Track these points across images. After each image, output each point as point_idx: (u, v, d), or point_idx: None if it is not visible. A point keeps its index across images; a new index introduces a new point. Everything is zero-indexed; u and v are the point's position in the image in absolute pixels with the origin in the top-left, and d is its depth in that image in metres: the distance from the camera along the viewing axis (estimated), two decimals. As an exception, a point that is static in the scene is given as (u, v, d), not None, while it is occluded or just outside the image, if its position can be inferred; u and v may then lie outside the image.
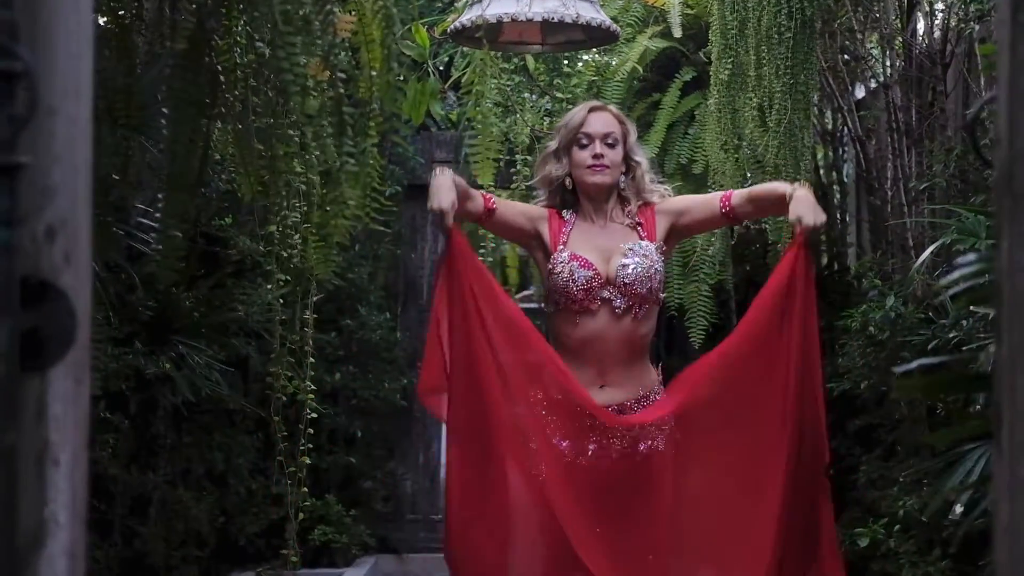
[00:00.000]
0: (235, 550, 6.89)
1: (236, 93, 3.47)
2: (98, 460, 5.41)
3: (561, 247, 3.93)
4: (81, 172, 1.79)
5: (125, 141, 3.51)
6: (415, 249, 8.15)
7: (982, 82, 5.69)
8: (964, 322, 4.13)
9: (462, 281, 3.71)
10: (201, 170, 3.51)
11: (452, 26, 4.54)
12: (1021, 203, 1.67)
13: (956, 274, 1.99)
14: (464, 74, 6.96)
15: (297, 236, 3.78)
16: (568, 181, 4.00)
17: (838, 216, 7.87)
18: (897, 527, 5.13)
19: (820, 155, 7.78)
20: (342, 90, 3.15)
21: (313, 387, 4.52)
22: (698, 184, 6.21)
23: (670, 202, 4.05)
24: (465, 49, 6.56)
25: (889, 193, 6.37)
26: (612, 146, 3.94)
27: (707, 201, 4.06)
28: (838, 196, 7.91)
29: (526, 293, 9.63)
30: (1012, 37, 1.69)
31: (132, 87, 3.47)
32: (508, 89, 5.94)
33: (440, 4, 7.44)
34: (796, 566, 3.76)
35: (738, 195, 3.98)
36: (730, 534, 3.84)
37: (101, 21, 3.63)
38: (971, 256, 2.28)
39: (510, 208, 4.09)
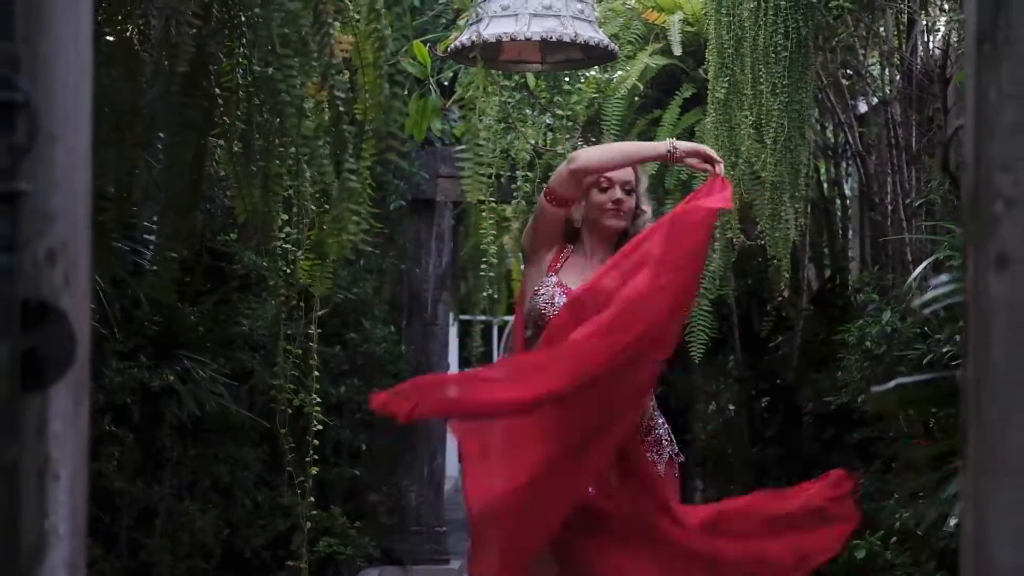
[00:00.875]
0: (241, 562, 6.95)
1: (237, 114, 3.53)
2: (103, 473, 5.47)
3: (552, 273, 4.00)
4: (80, 197, 1.86)
5: (131, 159, 3.58)
6: (419, 263, 8.24)
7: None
8: (958, 336, 4.19)
9: None
10: (196, 191, 3.57)
11: (452, 46, 4.61)
12: (985, 227, 1.73)
13: (930, 294, 2.05)
14: (468, 90, 7.04)
15: (300, 252, 3.84)
16: (577, 219, 4.07)
17: (840, 231, 7.93)
18: (893, 539, 5.17)
19: (823, 170, 7.84)
20: (341, 109, 3.22)
21: (319, 399, 4.57)
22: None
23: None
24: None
25: (889, 208, 6.42)
26: (629, 193, 4.05)
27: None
28: (840, 211, 7.97)
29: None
30: (977, 67, 1.76)
31: (138, 106, 3.54)
32: (509, 106, 6.00)
33: (443, 21, 7.50)
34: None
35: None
36: None
37: (108, 39, 3.70)
38: (944, 277, 2.33)
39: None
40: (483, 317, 14.01)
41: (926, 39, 6.31)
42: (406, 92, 6.41)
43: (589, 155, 4.01)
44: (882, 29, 6.51)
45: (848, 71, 7.09)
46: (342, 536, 7.48)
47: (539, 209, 4.08)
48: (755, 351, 7.78)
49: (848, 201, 8.04)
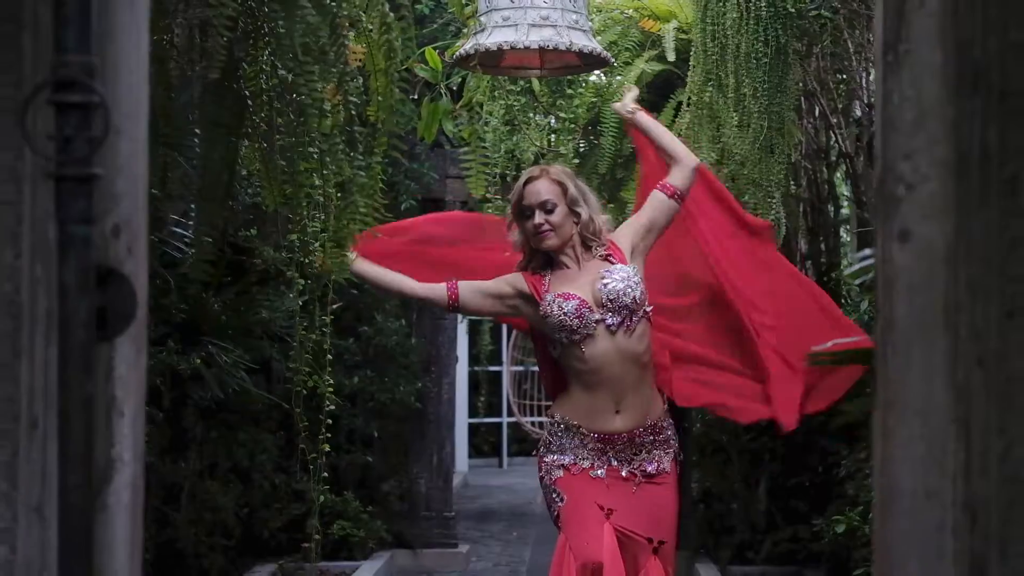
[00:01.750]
0: (259, 543, 7.32)
1: (262, 115, 3.89)
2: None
3: (546, 293, 4.32)
4: (140, 181, 2.23)
5: (163, 158, 3.95)
6: (430, 260, 8.57)
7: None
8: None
9: None
10: (230, 184, 3.95)
11: (457, 53, 4.98)
12: (890, 207, 2.09)
13: (857, 266, 2.38)
14: (475, 94, 7.41)
15: (317, 244, 4.20)
16: (518, 243, 4.44)
17: (833, 230, 8.27)
18: (871, 515, 5.51)
19: (819, 171, 8.19)
20: (353, 111, 3.59)
21: (331, 382, 4.94)
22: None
23: (625, 228, 4.51)
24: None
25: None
26: (551, 211, 4.31)
27: (656, 205, 4.49)
28: (833, 211, 8.31)
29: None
30: (883, 74, 2.12)
31: (169, 109, 3.92)
32: (515, 109, 6.36)
33: (452, 28, 7.88)
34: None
35: (670, 176, 4.49)
36: None
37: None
38: (867, 251, 2.67)
39: (474, 289, 4.47)
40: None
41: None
42: (415, 96, 6.79)
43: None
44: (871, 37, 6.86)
45: (842, 75, 7.44)
46: (355, 520, 7.82)
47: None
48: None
49: (840, 201, 8.39)
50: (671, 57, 6.47)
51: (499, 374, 14.46)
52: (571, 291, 4.27)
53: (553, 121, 6.92)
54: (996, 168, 2.03)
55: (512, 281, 4.44)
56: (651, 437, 4.34)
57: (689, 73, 5.84)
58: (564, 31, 4.70)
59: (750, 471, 7.52)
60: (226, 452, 6.61)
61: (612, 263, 4.33)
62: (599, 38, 5.94)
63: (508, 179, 6.84)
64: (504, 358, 14.07)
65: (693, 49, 5.72)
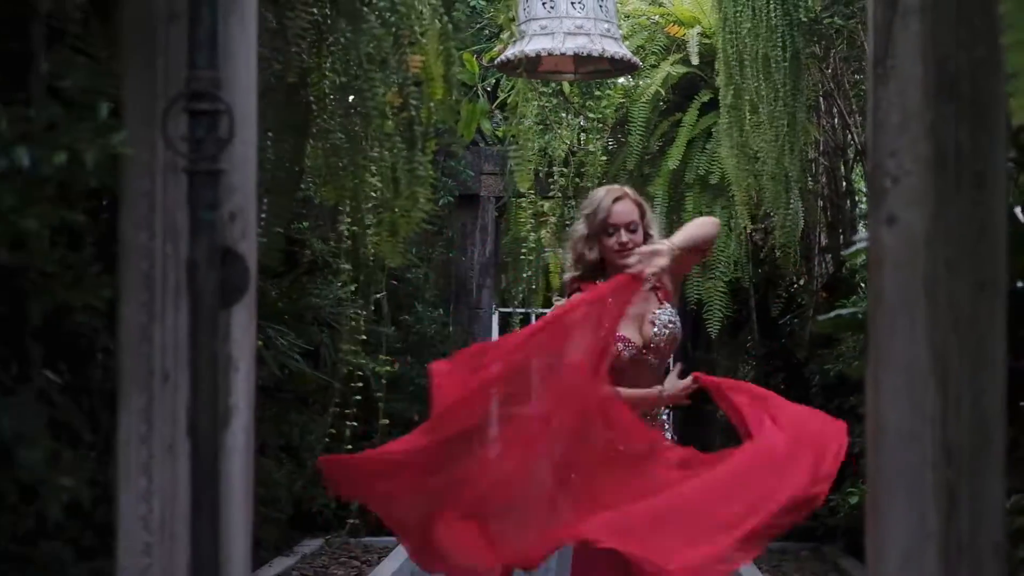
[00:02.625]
0: (307, 518, 7.76)
1: (325, 117, 4.33)
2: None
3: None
4: (251, 176, 2.66)
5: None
6: (465, 253, 8.99)
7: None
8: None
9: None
10: (297, 179, 4.39)
11: (499, 59, 5.42)
12: (878, 196, 2.50)
13: (856, 247, 2.78)
14: (509, 95, 7.85)
15: (372, 233, 4.62)
16: (593, 257, 4.65)
17: (850, 223, 8.66)
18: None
19: (838, 167, 8.58)
20: (413, 114, 4.02)
21: (389, 358, 5.34)
22: (715, 192, 7.02)
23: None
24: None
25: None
26: (634, 231, 4.50)
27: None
28: (850, 205, 8.69)
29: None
30: (874, 84, 2.53)
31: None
32: (547, 110, 6.80)
33: (487, 33, 8.31)
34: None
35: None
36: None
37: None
38: (864, 232, 3.06)
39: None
40: (521, 310, 14.82)
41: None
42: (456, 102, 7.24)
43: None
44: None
45: (859, 75, 7.84)
46: (397, 498, 8.24)
47: None
48: (772, 333, 8.51)
49: (858, 196, 8.77)
50: (695, 61, 6.91)
51: (528, 366, 14.86)
52: (628, 334, 4.43)
53: (583, 121, 7.35)
54: (967, 164, 2.44)
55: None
56: (650, 423, 4.66)
57: (717, 77, 6.26)
58: (597, 39, 5.12)
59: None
60: (276, 431, 7.04)
61: (659, 301, 4.54)
62: (627, 43, 6.36)
63: (540, 175, 7.29)
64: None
65: (717, 53, 6.15)
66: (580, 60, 5.47)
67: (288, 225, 6.26)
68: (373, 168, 4.17)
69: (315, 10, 4.00)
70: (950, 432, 2.43)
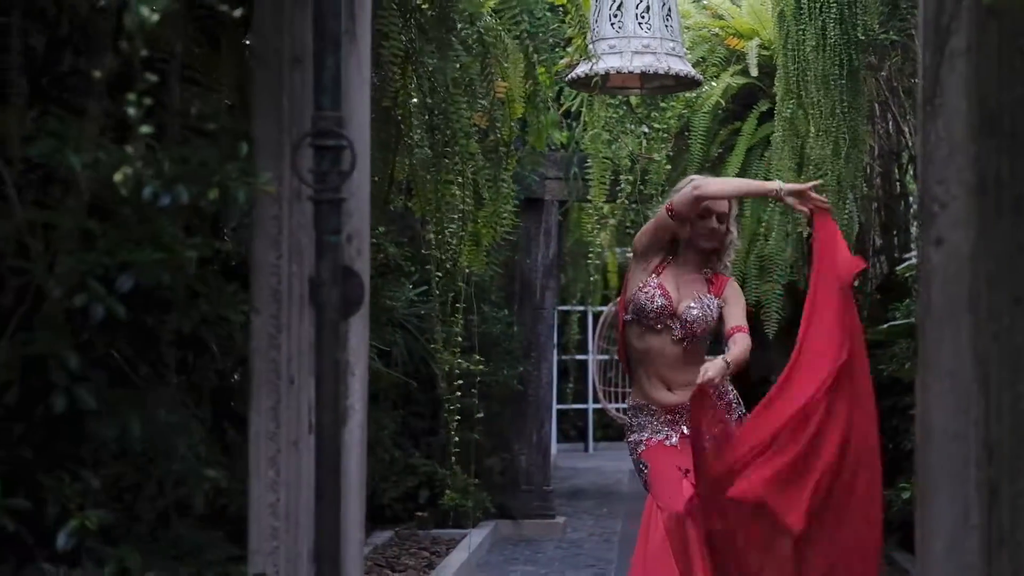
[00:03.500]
0: (377, 511, 8.11)
1: (413, 135, 4.66)
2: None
3: (655, 275, 4.97)
4: (364, 201, 2.99)
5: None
6: (529, 255, 9.28)
7: None
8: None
9: None
10: (388, 191, 4.72)
11: (569, 76, 5.73)
12: (927, 220, 2.80)
13: (906, 263, 3.05)
14: (572, 104, 8.17)
15: (454, 241, 4.94)
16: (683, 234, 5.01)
17: (903, 225, 8.90)
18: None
19: (893, 172, 8.83)
20: (500, 135, 4.35)
21: (481, 358, 5.62)
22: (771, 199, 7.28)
23: (730, 293, 5.02)
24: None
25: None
26: (721, 222, 4.98)
27: (726, 319, 4.96)
28: (903, 208, 8.93)
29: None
30: (924, 119, 2.83)
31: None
32: (613, 121, 7.11)
33: (552, 42, 8.61)
34: None
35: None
36: None
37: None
38: (914, 252, 3.35)
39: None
40: (580, 307, 15.11)
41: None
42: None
43: (710, 185, 4.86)
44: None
45: (914, 79, 8.09)
46: (463, 492, 8.57)
47: (658, 219, 4.95)
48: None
49: (911, 199, 9.01)
50: (754, 72, 7.19)
51: (585, 362, 15.14)
52: (670, 290, 4.94)
53: (647, 130, 7.65)
54: (1007, 191, 2.74)
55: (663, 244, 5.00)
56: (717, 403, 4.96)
57: (776, 90, 6.54)
58: (663, 57, 5.43)
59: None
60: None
61: (709, 291, 4.97)
62: (689, 55, 6.66)
63: (606, 182, 7.60)
64: (590, 347, 14.71)
65: (777, 69, 6.43)
66: (646, 77, 5.77)
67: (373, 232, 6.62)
68: (459, 180, 4.48)
69: (404, 37, 4.30)
70: (992, 433, 2.73)
